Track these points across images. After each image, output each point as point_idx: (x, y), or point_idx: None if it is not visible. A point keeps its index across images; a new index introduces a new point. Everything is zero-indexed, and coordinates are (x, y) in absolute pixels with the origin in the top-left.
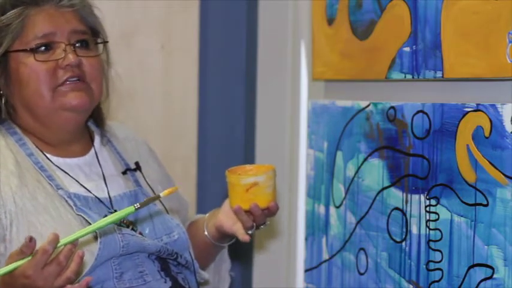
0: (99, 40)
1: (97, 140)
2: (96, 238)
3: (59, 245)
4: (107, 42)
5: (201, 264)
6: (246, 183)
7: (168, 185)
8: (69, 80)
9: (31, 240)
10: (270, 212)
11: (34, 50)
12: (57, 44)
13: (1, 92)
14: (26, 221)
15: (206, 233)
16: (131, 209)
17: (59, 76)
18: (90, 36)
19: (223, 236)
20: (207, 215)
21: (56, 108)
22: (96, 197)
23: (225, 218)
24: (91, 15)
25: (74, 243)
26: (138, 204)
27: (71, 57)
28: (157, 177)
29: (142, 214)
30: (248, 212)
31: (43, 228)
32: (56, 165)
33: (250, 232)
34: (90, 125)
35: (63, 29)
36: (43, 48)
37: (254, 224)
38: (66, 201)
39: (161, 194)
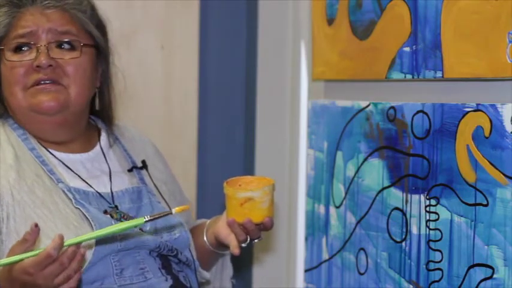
0: (84, 42)
1: (104, 137)
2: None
3: (64, 245)
4: (91, 45)
5: (202, 268)
6: (241, 197)
7: (174, 186)
8: (42, 82)
9: (36, 226)
10: (265, 227)
11: (12, 50)
12: (35, 45)
13: None
14: (23, 214)
15: (205, 239)
16: (141, 220)
17: (31, 77)
18: (79, 38)
19: (221, 244)
20: (209, 221)
21: (28, 110)
22: (97, 191)
23: (222, 227)
24: (83, 16)
25: (78, 245)
26: (148, 216)
27: (42, 59)
28: (163, 178)
29: (145, 211)
30: (242, 225)
31: (41, 221)
32: (59, 160)
33: (243, 245)
34: (98, 123)
35: (43, 29)
36: (23, 48)
37: (248, 238)
38: (66, 194)
39: (173, 210)
